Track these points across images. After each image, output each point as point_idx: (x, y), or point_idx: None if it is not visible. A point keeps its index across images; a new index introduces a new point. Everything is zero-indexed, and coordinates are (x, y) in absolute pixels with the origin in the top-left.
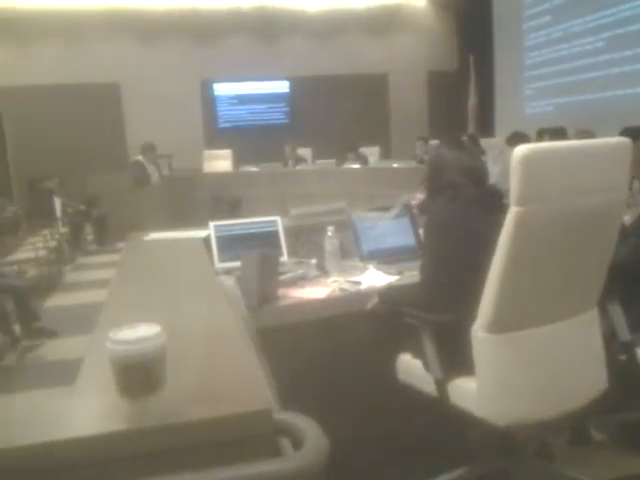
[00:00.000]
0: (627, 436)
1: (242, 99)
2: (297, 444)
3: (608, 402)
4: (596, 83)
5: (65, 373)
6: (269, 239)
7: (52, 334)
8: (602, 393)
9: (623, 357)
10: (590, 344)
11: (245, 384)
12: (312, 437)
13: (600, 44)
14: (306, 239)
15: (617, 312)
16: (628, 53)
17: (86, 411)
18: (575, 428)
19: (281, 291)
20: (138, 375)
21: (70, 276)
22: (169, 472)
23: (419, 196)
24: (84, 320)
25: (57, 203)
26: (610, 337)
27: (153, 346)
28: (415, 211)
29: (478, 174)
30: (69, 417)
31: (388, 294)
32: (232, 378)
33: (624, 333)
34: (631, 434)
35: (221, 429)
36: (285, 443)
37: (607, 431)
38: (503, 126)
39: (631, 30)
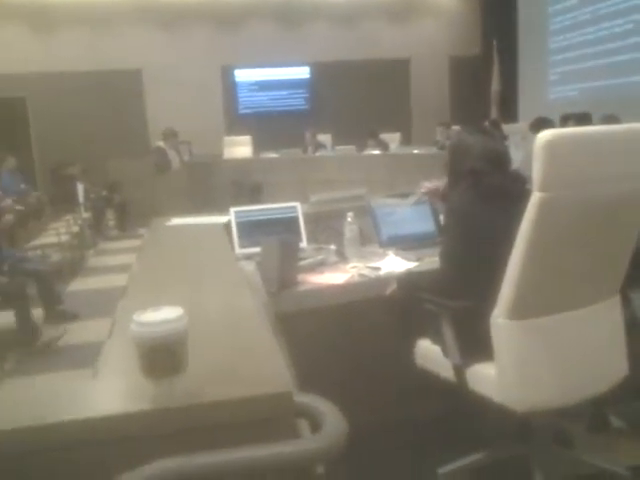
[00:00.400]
0: None
1: (263, 85)
2: (316, 426)
3: (628, 389)
4: (623, 67)
5: (86, 356)
6: (289, 225)
7: (74, 317)
8: (622, 380)
9: None
10: (611, 331)
11: (266, 367)
12: (331, 420)
13: (630, 26)
14: (326, 225)
15: (638, 299)
16: None
17: (111, 392)
18: (594, 415)
19: (300, 277)
20: (162, 357)
21: (92, 261)
22: (191, 451)
23: (427, 184)
24: (105, 304)
25: (80, 189)
26: (632, 324)
27: (176, 328)
28: (425, 199)
29: (500, 158)
30: (95, 397)
31: (407, 280)
32: (253, 361)
33: None
34: None
35: (242, 410)
36: (304, 425)
37: (626, 418)
38: (527, 112)
39: None
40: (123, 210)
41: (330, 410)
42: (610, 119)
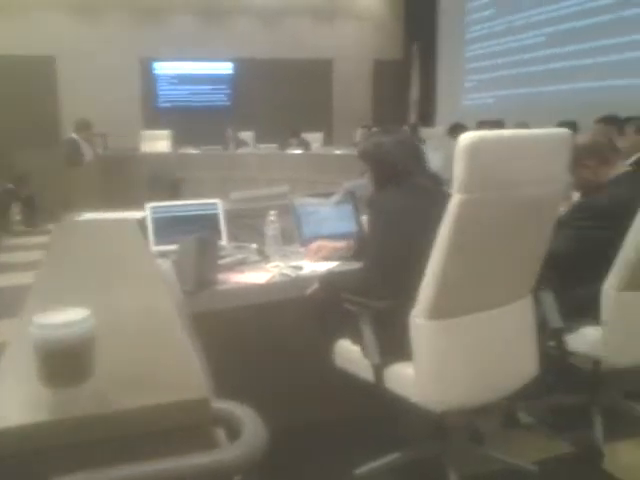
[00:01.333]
0: (554, 419)
1: (183, 79)
2: (234, 434)
3: (537, 386)
4: (535, 77)
5: None
6: (208, 222)
7: None
8: (533, 378)
9: (552, 343)
10: (524, 331)
11: (181, 371)
12: (250, 428)
13: (541, 39)
14: (247, 223)
15: (549, 300)
16: (568, 49)
17: (7, 400)
18: (506, 412)
19: (220, 276)
20: (63, 362)
21: None
22: (96, 465)
23: (348, 184)
24: (11, 303)
25: None
26: (541, 324)
27: (80, 331)
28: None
29: (421, 152)
30: None
31: (328, 280)
32: (166, 365)
33: (555, 320)
34: (557, 417)
35: (154, 419)
36: (221, 433)
37: (535, 414)
38: (443, 117)
39: (572, 27)
40: (31, 204)
41: (249, 417)
42: (522, 126)
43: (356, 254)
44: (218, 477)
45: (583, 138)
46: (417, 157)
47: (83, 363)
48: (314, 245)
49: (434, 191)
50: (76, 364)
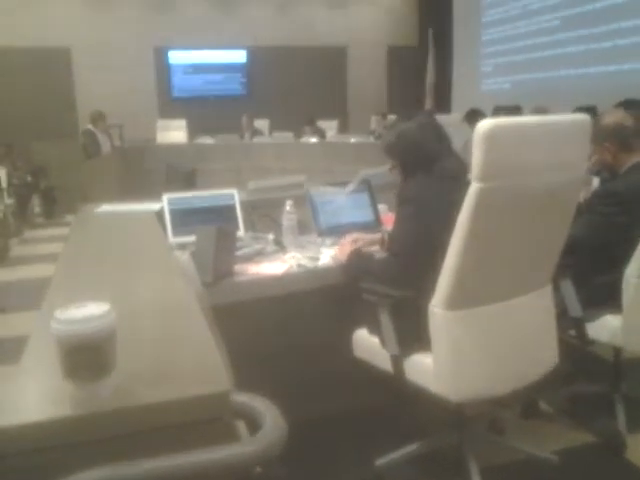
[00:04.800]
0: (574, 409)
1: (198, 68)
2: (255, 427)
3: (557, 376)
4: (551, 61)
5: (10, 351)
6: (225, 213)
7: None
8: (552, 368)
9: (573, 332)
10: (544, 320)
11: (201, 365)
12: (270, 420)
13: (556, 22)
14: (263, 213)
15: (569, 288)
16: (583, 32)
17: (29, 396)
18: (525, 402)
19: (238, 267)
20: (86, 357)
21: (16, 250)
22: (121, 458)
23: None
24: (31, 295)
25: (2, 173)
26: (561, 313)
27: (101, 325)
28: (362, 187)
29: (445, 134)
30: (10, 402)
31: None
32: (188, 358)
33: (575, 309)
34: (577, 407)
35: (176, 413)
36: (242, 426)
37: (555, 404)
38: (459, 103)
39: (586, 10)
40: (50, 196)
41: (269, 410)
42: (540, 111)
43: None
44: (239, 469)
45: (610, 118)
46: (440, 139)
47: (105, 358)
48: (350, 237)
49: (460, 176)
50: (98, 359)
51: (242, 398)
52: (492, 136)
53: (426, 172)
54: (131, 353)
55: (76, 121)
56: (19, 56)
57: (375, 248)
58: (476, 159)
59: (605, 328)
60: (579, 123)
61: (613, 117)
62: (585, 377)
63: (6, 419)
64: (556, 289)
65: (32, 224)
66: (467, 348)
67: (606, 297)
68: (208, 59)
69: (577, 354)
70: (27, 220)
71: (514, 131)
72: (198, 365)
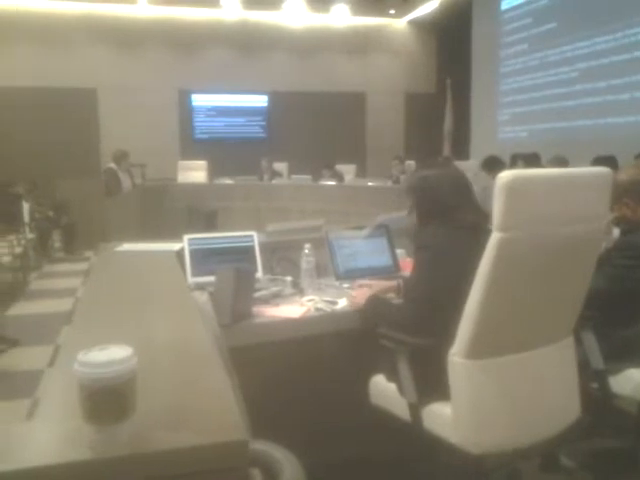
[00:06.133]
0: (596, 464)
1: (220, 111)
2: (271, 475)
3: (578, 429)
4: (569, 112)
5: (25, 384)
6: (244, 254)
7: (14, 343)
8: (574, 421)
9: (595, 385)
10: (566, 372)
11: (219, 411)
12: (288, 471)
13: (575, 74)
14: (282, 256)
15: (591, 340)
16: (601, 84)
17: (46, 437)
18: (546, 455)
19: (255, 309)
20: (107, 400)
21: (35, 284)
22: None
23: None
24: (48, 329)
25: (25, 208)
26: (583, 365)
27: (124, 370)
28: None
29: (468, 187)
30: (27, 443)
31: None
32: (206, 404)
33: (597, 361)
34: (599, 462)
35: (193, 460)
36: (258, 475)
37: (577, 458)
38: (477, 150)
39: (604, 63)
40: (70, 232)
41: (287, 460)
42: (559, 160)
43: (405, 294)
44: None
45: (625, 175)
46: (463, 190)
47: (126, 401)
48: (365, 284)
49: (479, 227)
50: (119, 402)
51: (260, 447)
52: (513, 187)
53: (441, 221)
54: (149, 396)
55: (99, 159)
56: (47, 96)
57: (391, 295)
58: (497, 209)
59: (628, 381)
60: (601, 176)
61: (628, 173)
62: (608, 431)
63: (27, 460)
64: (578, 341)
65: (52, 258)
66: (488, 398)
67: (630, 350)
68: (230, 102)
69: (600, 407)
70: (47, 254)
71: (535, 183)
72: (216, 412)
